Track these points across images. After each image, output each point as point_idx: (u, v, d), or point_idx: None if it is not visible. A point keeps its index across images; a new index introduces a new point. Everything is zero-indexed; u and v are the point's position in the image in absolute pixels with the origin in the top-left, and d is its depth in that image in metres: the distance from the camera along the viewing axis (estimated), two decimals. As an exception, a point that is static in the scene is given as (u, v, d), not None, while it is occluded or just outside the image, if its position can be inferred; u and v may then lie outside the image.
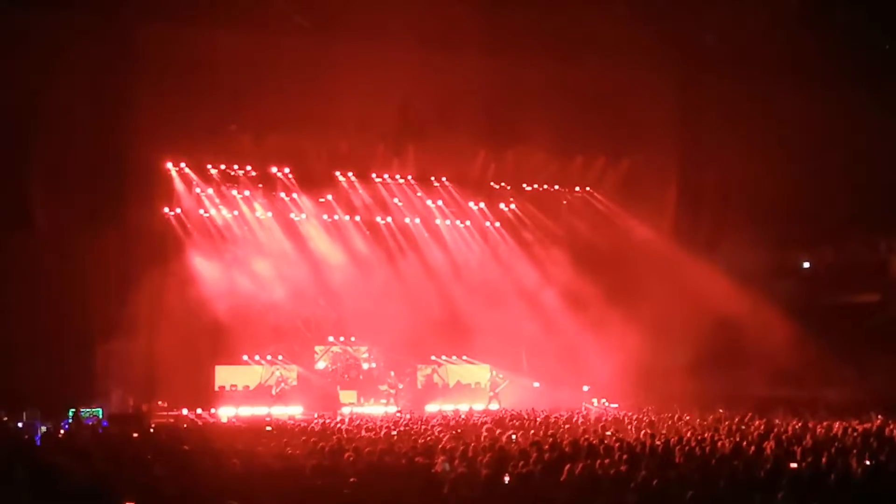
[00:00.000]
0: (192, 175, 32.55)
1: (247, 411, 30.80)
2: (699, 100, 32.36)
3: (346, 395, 33.57)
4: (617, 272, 33.24)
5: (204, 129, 29.49)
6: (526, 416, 25.59)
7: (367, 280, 33.28)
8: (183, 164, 32.31)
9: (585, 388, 33.37)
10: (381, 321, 32.29)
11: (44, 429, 23.33)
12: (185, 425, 25.66)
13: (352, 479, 13.15)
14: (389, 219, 35.05)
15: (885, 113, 29.05)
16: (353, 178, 34.34)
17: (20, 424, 23.83)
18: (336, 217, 34.38)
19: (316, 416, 28.06)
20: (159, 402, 30.05)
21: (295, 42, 27.89)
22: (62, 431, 23.69)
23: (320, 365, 34.28)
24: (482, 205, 36.33)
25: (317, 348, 34.30)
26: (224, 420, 28.92)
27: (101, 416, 26.36)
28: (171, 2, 26.89)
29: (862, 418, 23.28)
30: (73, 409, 26.33)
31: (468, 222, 36.24)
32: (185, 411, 29.60)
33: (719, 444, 16.70)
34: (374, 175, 34.46)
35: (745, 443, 17.06)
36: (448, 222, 35.89)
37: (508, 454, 15.11)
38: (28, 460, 15.08)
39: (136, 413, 27.57)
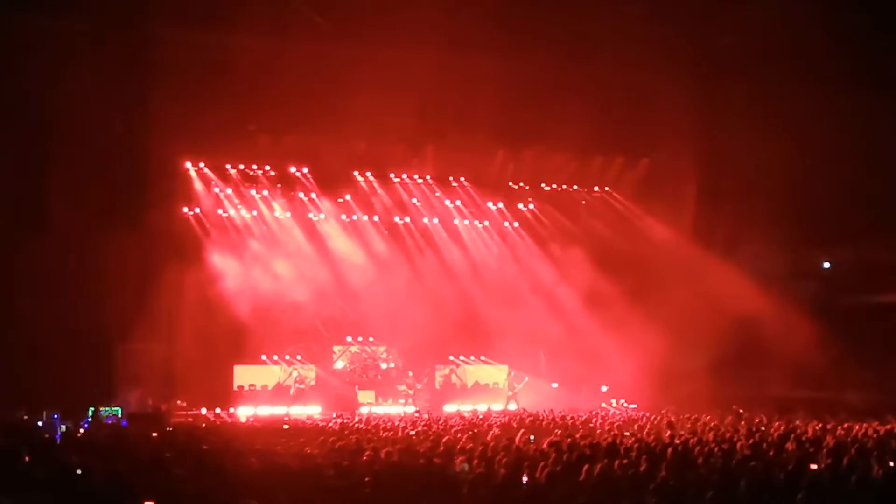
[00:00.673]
0: (211, 175, 32.67)
1: (265, 411, 30.85)
2: (719, 100, 32.09)
3: (365, 395, 33.55)
4: (636, 272, 33.16)
5: (223, 130, 29.50)
6: (543, 417, 25.54)
7: (385, 280, 33.23)
8: (202, 164, 32.43)
9: (604, 389, 33.35)
10: (400, 321, 32.18)
11: (63, 428, 23.41)
12: (203, 425, 25.77)
13: (367, 479, 13.14)
14: (408, 219, 35.06)
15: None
16: (371, 179, 34.39)
17: (40, 423, 23.94)
18: (355, 217, 34.40)
19: (334, 415, 28.16)
20: (178, 402, 30.19)
21: (313, 43, 27.86)
22: (81, 430, 23.82)
23: (339, 365, 34.33)
24: (501, 205, 36.29)
25: (335, 348, 34.34)
26: (243, 420, 29.04)
27: (120, 416, 26.48)
28: (190, 4, 26.95)
29: (883, 420, 23.12)
30: (93, 409, 26.46)
31: (486, 222, 36.20)
32: (203, 411, 29.72)
33: (739, 445, 16.60)
34: (392, 175, 34.50)
35: (764, 444, 16.98)
36: (466, 222, 35.87)
37: (526, 455, 15.08)
38: (48, 459, 15.13)
39: (155, 412, 27.58)
